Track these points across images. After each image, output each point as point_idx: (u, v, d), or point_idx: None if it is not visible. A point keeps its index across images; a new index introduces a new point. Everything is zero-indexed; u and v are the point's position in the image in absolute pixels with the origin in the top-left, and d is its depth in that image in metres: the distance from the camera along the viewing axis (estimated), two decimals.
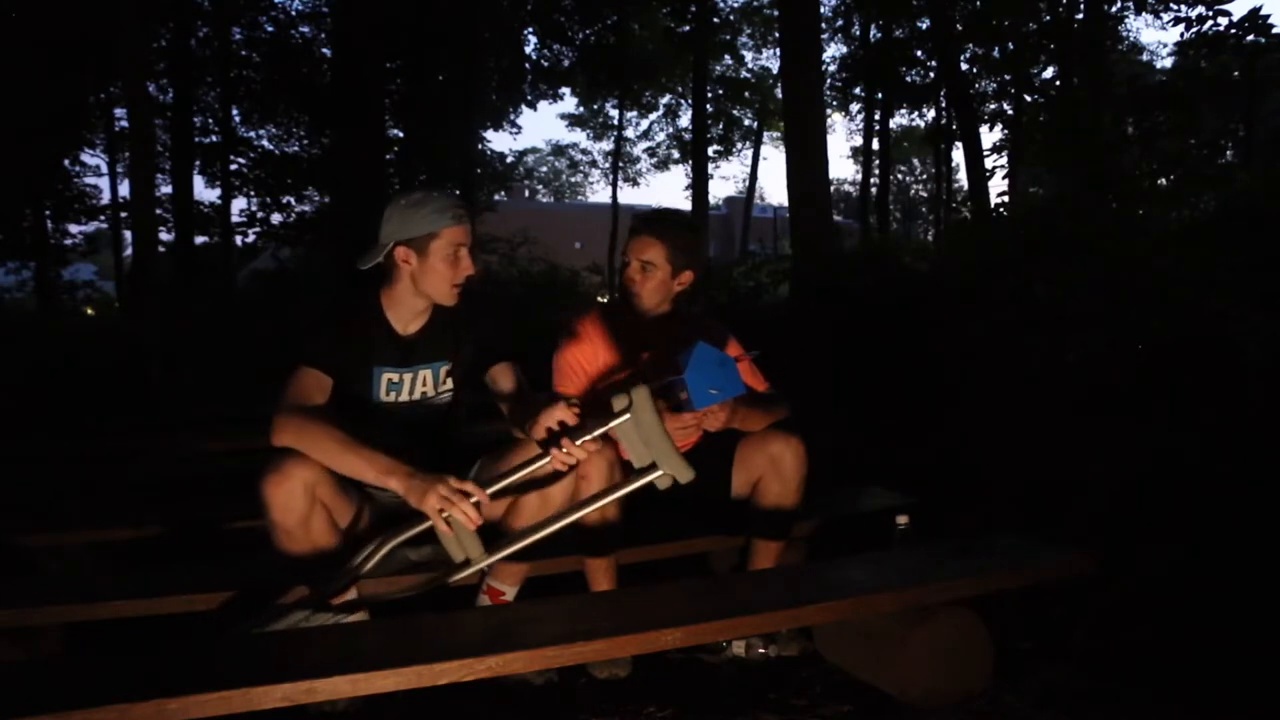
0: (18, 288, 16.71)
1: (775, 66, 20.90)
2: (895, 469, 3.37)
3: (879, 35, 17.21)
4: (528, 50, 17.66)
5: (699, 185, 18.80)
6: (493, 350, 2.13)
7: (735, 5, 20.85)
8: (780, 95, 12.67)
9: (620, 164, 25.34)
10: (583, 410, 1.78)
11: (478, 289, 2.10)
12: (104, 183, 27.02)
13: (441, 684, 1.42)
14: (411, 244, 1.98)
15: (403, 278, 2.02)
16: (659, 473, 1.72)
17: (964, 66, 14.33)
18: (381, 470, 1.73)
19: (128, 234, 14.56)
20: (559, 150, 36.21)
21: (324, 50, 15.06)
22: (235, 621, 1.80)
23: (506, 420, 2.06)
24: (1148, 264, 3.79)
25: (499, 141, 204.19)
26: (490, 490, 1.73)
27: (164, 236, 13.12)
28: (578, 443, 1.72)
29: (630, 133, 25.70)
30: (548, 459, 1.76)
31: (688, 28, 17.34)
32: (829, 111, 18.36)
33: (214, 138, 15.91)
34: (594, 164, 32.67)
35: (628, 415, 1.70)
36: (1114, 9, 12.48)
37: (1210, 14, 5.39)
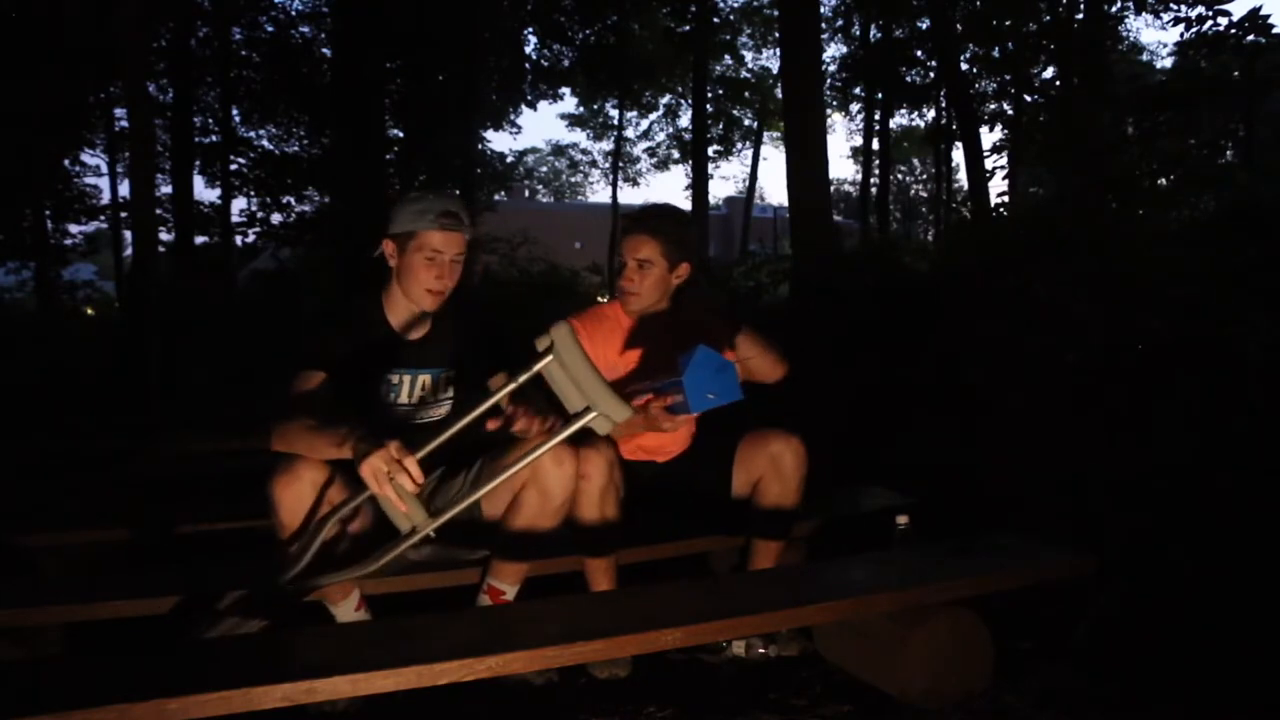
0: (18, 288, 16.72)
1: (775, 66, 20.92)
2: (895, 469, 3.37)
3: (879, 35, 17.21)
4: (528, 50, 17.65)
5: (699, 185, 18.80)
6: (497, 355, 2.13)
7: (735, 5, 20.86)
8: (780, 95, 12.66)
9: (620, 164, 25.34)
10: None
11: (479, 290, 2.10)
12: (104, 183, 27.03)
13: (441, 684, 1.42)
14: (395, 239, 2.01)
15: (393, 275, 2.04)
16: (593, 414, 1.62)
17: (964, 66, 14.32)
18: (339, 440, 1.70)
19: (128, 234, 14.56)
20: (559, 150, 36.21)
21: (324, 50, 15.06)
22: (183, 628, 1.79)
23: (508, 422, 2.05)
24: (1148, 264, 3.79)
25: (499, 141, 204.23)
26: (420, 455, 1.64)
27: (164, 236, 13.13)
28: (504, 390, 1.67)
29: (630, 133, 25.74)
30: (468, 418, 1.70)
31: (688, 28, 17.33)
32: (829, 111, 18.37)
33: (214, 138, 15.90)
34: (594, 164, 32.69)
35: (550, 357, 1.60)
36: (1114, 9, 12.47)
37: (1210, 14, 5.38)
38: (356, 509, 1.79)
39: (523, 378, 1.65)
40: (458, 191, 15.12)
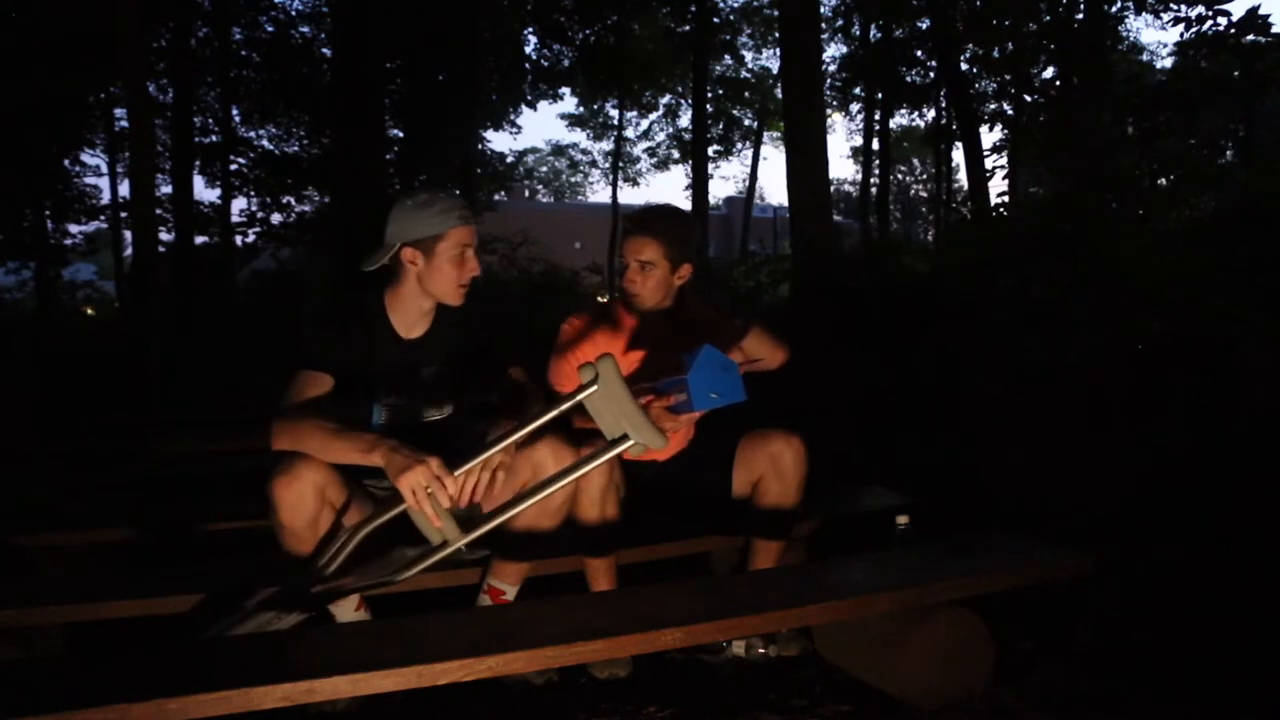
0: (18, 288, 16.73)
1: (775, 66, 20.93)
2: (895, 469, 3.38)
3: (879, 35, 17.21)
4: (528, 50, 17.67)
5: (699, 185, 18.81)
6: (505, 354, 2.13)
7: (735, 5, 20.87)
8: (780, 95, 12.67)
9: (620, 164, 25.36)
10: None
11: (479, 290, 2.10)
12: (104, 183, 27.05)
13: (441, 684, 1.42)
14: (419, 245, 1.98)
15: (409, 278, 2.02)
16: (630, 442, 1.69)
17: (964, 66, 14.32)
18: (366, 446, 1.72)
19: (128, 234, 14.58)
20: (559, 150, 36.17)
21: (324, 50, 15.07)
22: (210, 624, 1.79)
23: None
24: (1148, 264, 3.79)
25: (499, 141, 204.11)
26: (458, 472, 1.70)
27: (164, 236, 13.12)
28: (549, 415, 1.71)
29: (630, 133, 25.75)
30: (513, 438, 1.74)
31: (688, 28, 17.34)
32: (829, 111, 18.38)
33: (214, 138, 15.91)
34: (594, 164, 32.68)
35: (596, 387, 1.66)
36: (1114, 9, 12.46)
37: (1210, 14, 5.37)
38: (388, 519, 1.79)
39: (567, 405, 1.70)
40: (458, 191, 15.12)
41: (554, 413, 1.72)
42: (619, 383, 1.66)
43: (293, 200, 15.93)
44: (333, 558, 1.76)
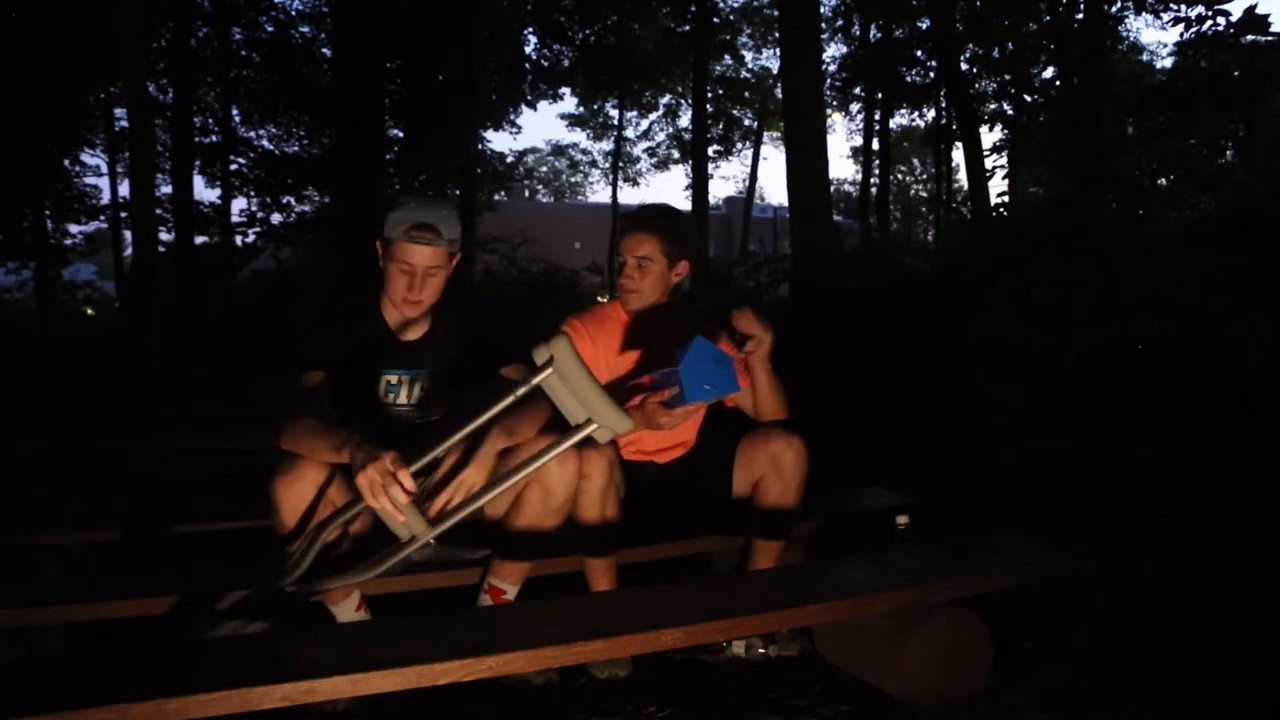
0: (18, 288, 16.73)
1: (775, 66, 20.93)
2: (895, 469, 3.38)
3: (879, 35, 17.21)
4: (528, 50, 17.67)
5: (699, 185, 18.80)
6: (503, 354, 2.12)
7: (735, 5, 20.87)
8: (780, 95, 12.68)
9: (620, 164, 25.38)
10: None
11: (479, 290, 2.10)
12: (104, 183, 27.00)
13: (441, 684, 1.42)
14: (382, 244, 2.01)
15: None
16: (594, 426, 1.62)
17: (964, 66, 14.32)
18: (338, 444, 1.69)
19: (128, 234, 14.56)
20: (559, 150, 36.18)
21: (324, 50, 15.08)
22: (182, 629, 1.78)
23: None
24: (1147, 264, 3.79)
25: (499, 141, 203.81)
26: (414, 468, 1.64)
27: (164, 236, 13.11)
28: (503, 403, 1.67)
29: (630, 133, 25.76)
30: (468, 429, 1.71)
31: (688, 28, 17.36)
32: (829, 111, 18.40)
33: (214, 138, 15.91)
34: (594, 164, 32.70)
35: (550, 370, 1.60)
36: (1114, 9, 12.47)
37: (1210, 14, 5.37)
38: (356, 515, 1.79)
39: (522, 390, 1.66)
40: (458, 191, 15.13)
41: (508, 399, 1.67)
42: (575, 363, 1.59)
43: (293, 200, 15.95)
44: (301, 554, 1.75)
